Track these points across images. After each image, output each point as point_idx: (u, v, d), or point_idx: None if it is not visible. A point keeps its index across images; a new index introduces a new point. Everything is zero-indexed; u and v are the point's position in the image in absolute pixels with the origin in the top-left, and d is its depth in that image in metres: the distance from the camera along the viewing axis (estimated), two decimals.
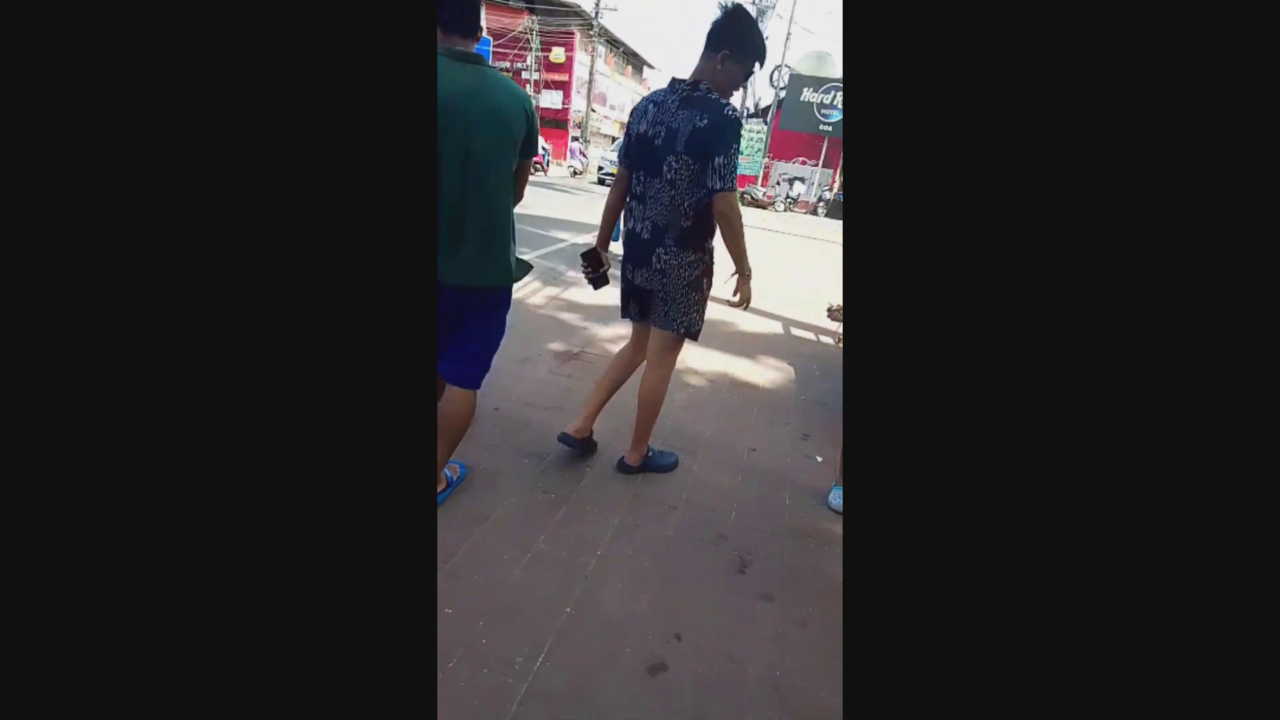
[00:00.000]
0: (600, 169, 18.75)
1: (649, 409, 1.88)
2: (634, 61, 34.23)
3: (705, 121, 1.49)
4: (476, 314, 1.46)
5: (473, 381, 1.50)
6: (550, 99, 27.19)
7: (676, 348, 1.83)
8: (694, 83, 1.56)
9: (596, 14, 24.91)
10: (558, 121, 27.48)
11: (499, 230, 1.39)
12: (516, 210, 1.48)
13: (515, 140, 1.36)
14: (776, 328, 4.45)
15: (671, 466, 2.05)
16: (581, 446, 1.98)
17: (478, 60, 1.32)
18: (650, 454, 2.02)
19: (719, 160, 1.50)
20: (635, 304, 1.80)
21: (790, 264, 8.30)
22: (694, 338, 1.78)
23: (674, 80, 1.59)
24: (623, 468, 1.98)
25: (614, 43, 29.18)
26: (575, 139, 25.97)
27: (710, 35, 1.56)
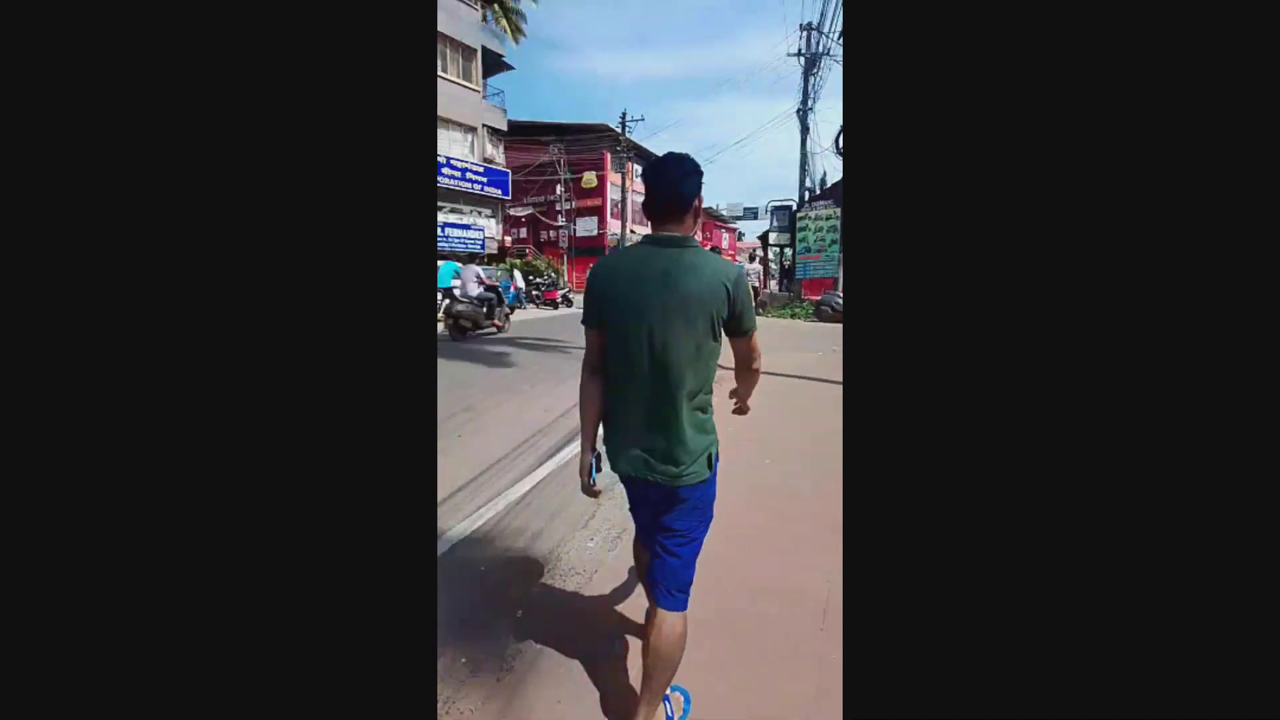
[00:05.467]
0: None
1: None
2: None
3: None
4: (677, 513, 1.36)
5: (682, 604, 1.37)
6: (585, 225, 27.21)
7: None
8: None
9: (623, 129, 25.04)
10: (594, 249, 25.48)
11: (686, 422, 1.29)
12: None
13: (706, 325, 1.25)
14: None
15: None
16: None
17: (681, 243, 1.26)
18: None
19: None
20: None
21: None
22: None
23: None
24: None
25: (645, 156, 27.10)
26: None
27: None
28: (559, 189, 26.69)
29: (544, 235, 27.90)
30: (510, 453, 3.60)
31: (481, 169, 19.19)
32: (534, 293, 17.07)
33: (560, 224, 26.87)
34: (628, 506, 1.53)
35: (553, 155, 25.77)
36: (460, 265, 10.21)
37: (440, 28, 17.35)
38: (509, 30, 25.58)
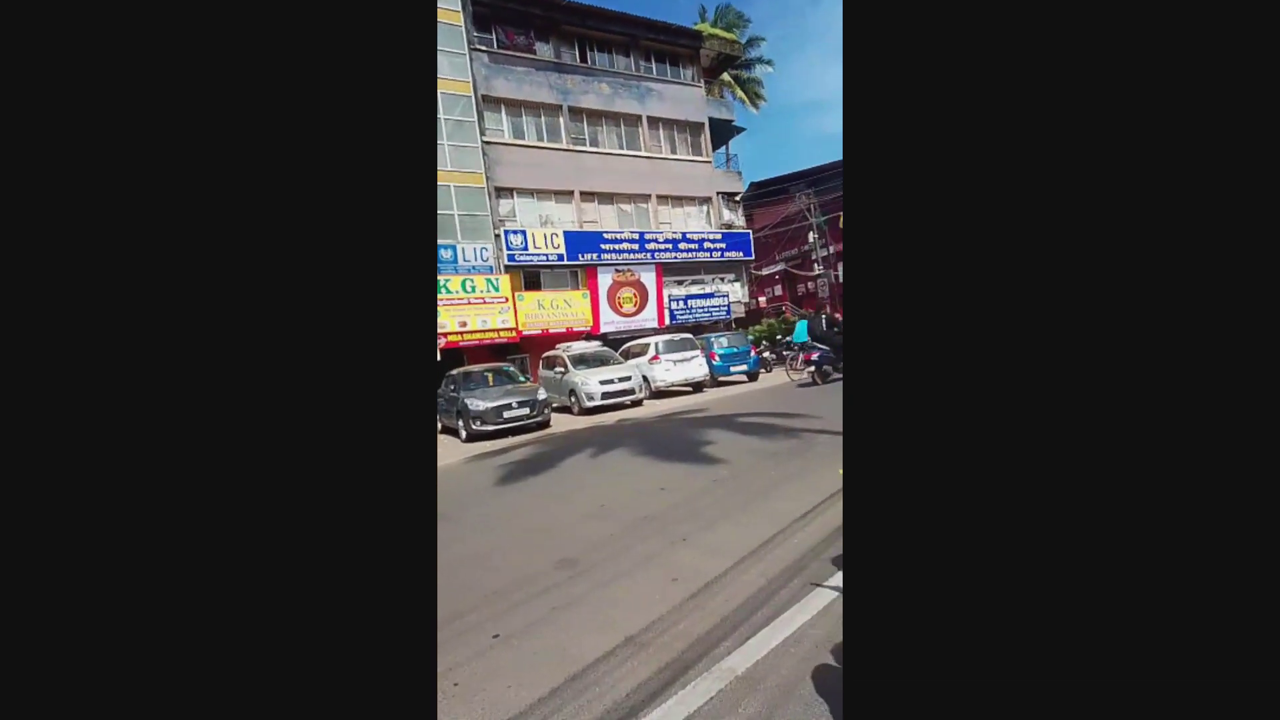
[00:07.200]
0: None
1: None
2: None
3: None
4: None
5: None
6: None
7: None
8: None
9: None
10: None
11: None
12: None
13: None
14: None
15: None
16: None
17: None
18: None
19: None
20: None
21: None
22: None
23: None
24: None
25: None
26: None
27: None
28: (811, 236, 24.61)
29: (802, 288, 26.04)
30: (564, 688, 2.02)
31: (719, 236, 18.83)
32: (784, 353, 15.12)
33: (817, 273, 24.58)
34: None
35: (800, 204, 24.15)
36: (810, 319, 10.88)
37: (661, 113, 18.21)
38: (747, 99, 25.74)
